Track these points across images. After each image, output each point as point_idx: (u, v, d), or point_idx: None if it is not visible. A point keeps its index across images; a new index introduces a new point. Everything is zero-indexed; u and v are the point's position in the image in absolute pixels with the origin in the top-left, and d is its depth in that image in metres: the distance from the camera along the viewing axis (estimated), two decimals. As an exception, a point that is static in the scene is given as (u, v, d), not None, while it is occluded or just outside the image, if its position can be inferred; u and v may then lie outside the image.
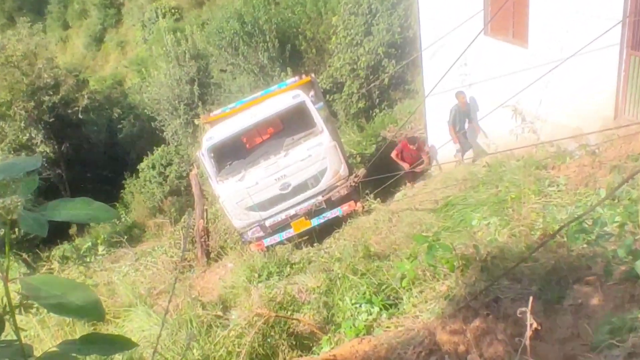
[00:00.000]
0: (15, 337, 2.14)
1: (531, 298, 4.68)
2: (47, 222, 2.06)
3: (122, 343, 2.28)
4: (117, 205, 28.28)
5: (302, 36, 27.64)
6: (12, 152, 28.97)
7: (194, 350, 9.06)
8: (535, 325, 4.72)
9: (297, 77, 17.18)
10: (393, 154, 18.10)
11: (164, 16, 48.78)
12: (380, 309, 7.88)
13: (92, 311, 1.98)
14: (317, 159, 15.16)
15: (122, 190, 29.78)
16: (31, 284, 1.99)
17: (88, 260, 19.23)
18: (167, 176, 27.86)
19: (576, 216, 7.24)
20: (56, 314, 2.42)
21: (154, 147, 29.33)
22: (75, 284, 2.07)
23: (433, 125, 18.81)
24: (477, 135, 16.63)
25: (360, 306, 8.15)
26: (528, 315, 4.49)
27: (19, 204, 1.95)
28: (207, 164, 15.33)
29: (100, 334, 2.25)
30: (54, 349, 2.13)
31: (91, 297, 1.99)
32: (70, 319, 11.27)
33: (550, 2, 12.86)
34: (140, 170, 28.79)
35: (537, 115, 14.10)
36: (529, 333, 4.54)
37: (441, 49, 15.99)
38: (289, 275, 12.64)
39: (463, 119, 16.55)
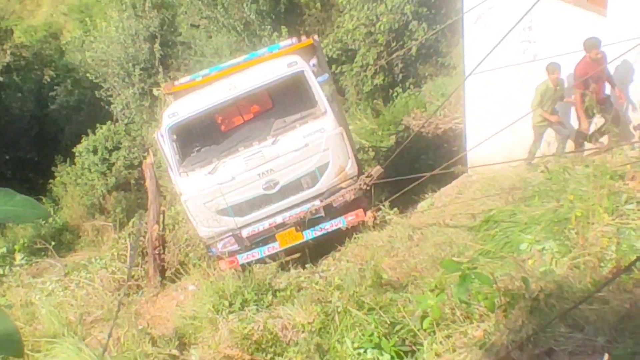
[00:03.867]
0: None
1: (606, 356, 4.67)
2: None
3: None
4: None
5: (303, -16, 27.73)
6: None
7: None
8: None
9: (294, 39, 17.13)
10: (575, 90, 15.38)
11: (119, -52, 48.78)
12: (392, 357, 7.86)
13: (7, 345, 1.95)
14: (316, 150, 15.13)
15: (50, 180, 29.68)
16: None
17: (0, 272, 19.20)
18: (113, 164, 27.81)
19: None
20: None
21: (97, 125, 29.17)
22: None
23: (474, 114, 18.75)
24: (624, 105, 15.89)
25: (365, 352, 8.15)
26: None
27: None
28: (168, 149, 15.29)
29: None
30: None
31: (6, 326, 1.96)
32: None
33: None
34: (77, 154, 28.64)
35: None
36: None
37: (490, 11, 15.96)
38: (270, 305, 12.61)
39: (554, 102, 16.07)
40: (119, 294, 16.04)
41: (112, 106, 30.57)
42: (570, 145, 15.83)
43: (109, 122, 29.38)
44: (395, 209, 15.76)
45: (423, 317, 7.93)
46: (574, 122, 15.76)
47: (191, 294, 15.10)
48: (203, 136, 16.00)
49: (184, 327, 13.05)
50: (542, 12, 13.82)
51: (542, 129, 16.12)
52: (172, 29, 29.98)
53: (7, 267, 19.65)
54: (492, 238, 11.40)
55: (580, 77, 14.62)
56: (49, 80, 36.09)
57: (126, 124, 29.30)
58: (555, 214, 10.70)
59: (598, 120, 15.20)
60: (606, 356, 4.65)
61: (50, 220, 25.43)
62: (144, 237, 16.97)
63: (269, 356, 9.61)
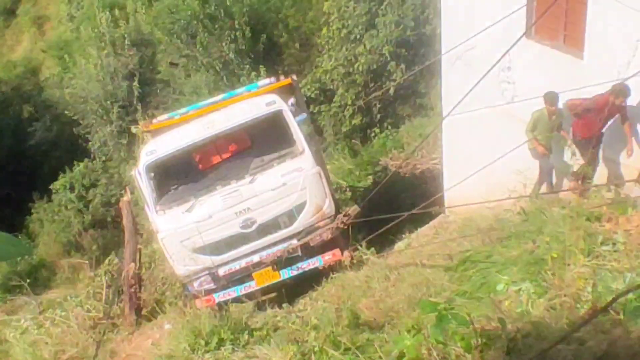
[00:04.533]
0: None
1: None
2: None
3: None
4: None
5: (282, 24, 27.88)
6: None
7: None
8: None
9: (272, 79, 17.19)
10: (568, 103, 15.02)
11: (98, -14, 48.85)
12: (369, 398, 7.83)
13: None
14: (293, 189, 15.15)
15: (27, 217, 29.52)
16: None
17: (-26, 309, 19.04)
18: (90, 201, 27.63)
19: (637, 285, 7.25)
20: None
21: (74, 162, 29.06)
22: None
23: (452, 155, 18.81)
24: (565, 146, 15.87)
25: (341, 392, 8.11)
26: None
27: None
28: (145, 186, 15.26)
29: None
30: None
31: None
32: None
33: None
34: (54, 191, 28.43)
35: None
36: None
37: (469, 52, 16.06)
38: (246, 344, 12.52)
39: (550, 131, 15.42)
40: (94, 333, 15.90)
41: (90, 143, 30.38)
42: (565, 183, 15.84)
43: (87, 159, 29.19)
44: (372, 249, 15.77)
45: (400, 358, 7.88)
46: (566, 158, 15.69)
47: (167, 333, 14.99)
48: (181, 174, 15.99)
49: (159, 366, 12.95)
50: (520, 54, 13.95)
51: (544, 157, 15.88)
52: (151, 67, 29.98)
53: (-19, 304, 19.50)
54: (469, 279, 11.41)
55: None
56: (27, 116, 35.95)
57: (104, 161, 29.16)
58: (532, 255, 10.73)
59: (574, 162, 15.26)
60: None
61: (26, 257, 25.27)
62: (120, 275, 16.86)
63: (244, 396, 9.55)
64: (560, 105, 14.86)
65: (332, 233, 15.33)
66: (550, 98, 14.74)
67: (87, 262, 22.86)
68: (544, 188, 15.92)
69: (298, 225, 15.34)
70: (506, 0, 15.02)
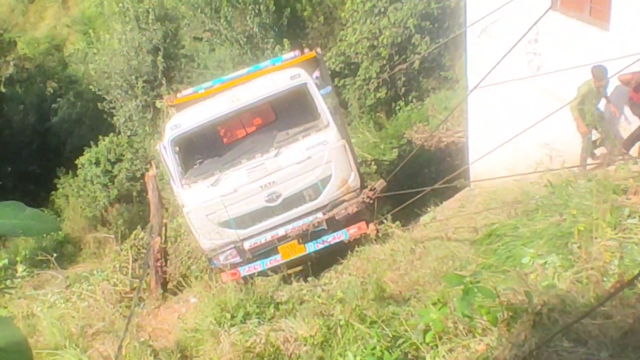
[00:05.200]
0: None
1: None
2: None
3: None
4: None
5: (306, -2, 27.73)
6: None
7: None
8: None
9: (297, 52, 17.11)
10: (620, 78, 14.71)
11: (122, -39, 48.85)
12: (395, 371, 7.84)
13: (16, 355, 1.94)
14: (319, 162, 15.13)
15: (53, 192, 29.71)
16: None
17: (2, 284, 19.16)
18: (115, 176, 27.76)
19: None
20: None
21: (100, 137, 29.13)
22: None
23: (477, 128, 18.74)
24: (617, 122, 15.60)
25: (367, 365, 8.12)
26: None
27: None
28: (170, 161, 15.28)
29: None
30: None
31: (15, 336, 1.96)
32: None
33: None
34: (79, 166, 28.57)
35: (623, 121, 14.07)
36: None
37: (494, 24, 15.97)
38: (272, 318, 12.59)
39: (594, 106, 15.22)
40: (120, 307, 15.99)
41: (114, 118, 30.50)
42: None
43: (112, 134, 29.27)
44: (398, 222, 15.72)
45: (425, 331, 7.90)
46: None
47: (193, 307, 15.06)
48: (205, 148, 15.98)
49: (186, 339, 13.01)
50: (546, 26, 13.84)
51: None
52: (175, 42, 29.98)
53: (9, 279, 19.63)
54: (495, 252, 11.38)
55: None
56: (51, 92, 36.08)
57: (129, 136, 29.25)
58: (558, 228, 10.68)
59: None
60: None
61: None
62: (147, 249, 16.92)
63: (271, 369, 9.60)
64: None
65: (357, 207, 15.27)
66: (599, 72, 14.30)
67: (112, 236, 22.98)
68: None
69: (323, 198, 15.31)
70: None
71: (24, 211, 2.15)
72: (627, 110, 15.05)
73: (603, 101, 14.98)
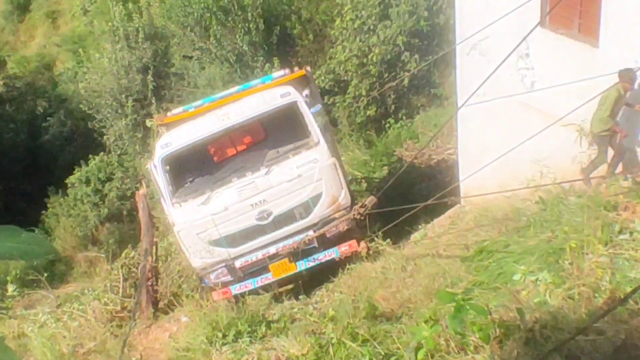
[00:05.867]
0: None
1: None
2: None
3: None
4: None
5: (295, 16, 27.80)
6: None
7: None
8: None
9: (287, 70, 17.16)
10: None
11: (112, -20, 48.90)
12: (387, 389, 7.83)
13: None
14: (309, 180, 15.14)
15: (43, 211, 29.59)
16: None
17: (-8, 303, 19.11)
18: (106, 195, 27.68)
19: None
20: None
21: (90, 156, 29.05)
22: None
23: (467, 145, 18.75)
24: None
25: (359, 383, 8.10)
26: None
27: None
28: (161, 179, 15.28)
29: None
30: None
31: (9, 356, 1.94)
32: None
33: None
34: (69, 185, 28.49)
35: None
36: None
37: (484, 41, 16.01)
38: (264, 337, 12.56)
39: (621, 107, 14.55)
40: (111, 326, 15.94)
41: (105, 137, 30.51)
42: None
43: (102, 153, 29.20)
44: (389, 239, 15.76)
45: (417, 349, 7.88)
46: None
47: (184, 326, 15.02)
48: (196, 167, 15.99)
49: (177, 359, 12.98)
50: (537, 42, 13.90)
51: (607, 139, 14.65)
52: (165, 61, 29.99)
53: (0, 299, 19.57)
54: (486, 269, 11.39)
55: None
56: (42, 111, 36.03)
57: (119, 155, 29.24)
58: (549, 244, 10.70)
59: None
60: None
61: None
62: (137, 268, 16.89)
63: (262, 388, 9.57)
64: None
65: (348, 224, 15.28)
66: (629, 76, 13.68)
67: (103, 255, 22.96)
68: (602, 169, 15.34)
69: (314, 216, 15.33)
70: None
71: (21, 235, 2.14)
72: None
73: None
